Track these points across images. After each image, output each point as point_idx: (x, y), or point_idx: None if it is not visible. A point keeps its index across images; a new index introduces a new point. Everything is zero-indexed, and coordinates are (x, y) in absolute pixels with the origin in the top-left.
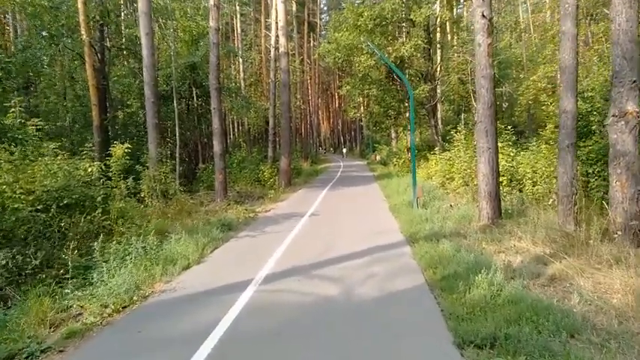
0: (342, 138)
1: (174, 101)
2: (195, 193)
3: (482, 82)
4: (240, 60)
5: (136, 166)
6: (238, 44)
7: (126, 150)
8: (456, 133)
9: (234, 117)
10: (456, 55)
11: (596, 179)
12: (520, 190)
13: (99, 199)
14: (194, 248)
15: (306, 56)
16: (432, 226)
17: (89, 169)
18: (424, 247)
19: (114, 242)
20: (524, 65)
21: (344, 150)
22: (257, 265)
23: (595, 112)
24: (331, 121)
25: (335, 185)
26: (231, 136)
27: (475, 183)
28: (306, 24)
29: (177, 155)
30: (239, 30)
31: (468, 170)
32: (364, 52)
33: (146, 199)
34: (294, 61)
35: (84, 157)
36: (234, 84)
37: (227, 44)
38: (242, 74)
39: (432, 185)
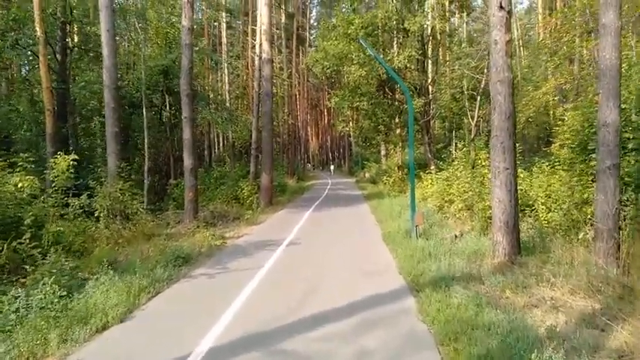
0: (330, 154)
1: (144, 109)
2: (164, 212)
3: (499, 88)
4: (226, 71)
5: (88, 182)
6: (224, 56)
7: (71, 162)
8: (455, 149)
9: (219, 131)
10: (448, 70)
11: (633, 207)
12: (530, 217)
13: (28, 221)
14: (124, 296)
15: (295, 70)
16: (439, 265)
17: (19, 185)
18: (433, 299)
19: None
20: (518, 83)
21: (332, 167)
22: (201, 329)
23: (630, 127)
24: (320, 137)
25: (321, 205)
26: (216, 150)
27: (480, 207)
28: (294, 37)
29: (145, 169)
30: (225, 40)
31: (470, 192)
32: (354, 62)
33: (101, 220)
34: (282, 74)
35: (18, 169)
36: (219, 96)
37: (212, 55)
38: (227, 86)
39: (429, 209)
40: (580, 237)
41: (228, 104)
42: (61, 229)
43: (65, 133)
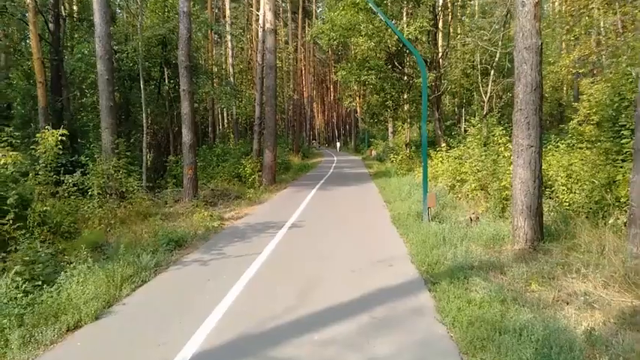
0: (336, 132)
1: (141, 82)
2: (163, 190)
3: (526, 56)
4: (229, 45)
5: (80, 158)
6: (227, 28)
7: (59, 137)
8: (468, 126)
9: (223, 107)
10: (459, 44)
11: None
12: (550, 198)
13: (11, 200)
14: (103, 287)
15: (301, 44)
16: (454, 253)
17: (1, 161)
18: (451, 294)
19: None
20: None
21: (338, 144)
22: (186, 330)
23: None
24: (326, 114)
25: (326, 184)
26: (220, 127)
27: (496, 187)
28: (301, 10)
29: (144, 145)
30: (229, 13)
31: (484, 171)
32: (362, 33)
33: (94, 198)
34: (287, 48)
35: (1, 145)
36: (223, 70)
37: (213, 25)
38: (231, 60)
39: (439, 188)
40: (610, 222)
41: (231, 79)
42: (48, 208)
43: (59, 107)
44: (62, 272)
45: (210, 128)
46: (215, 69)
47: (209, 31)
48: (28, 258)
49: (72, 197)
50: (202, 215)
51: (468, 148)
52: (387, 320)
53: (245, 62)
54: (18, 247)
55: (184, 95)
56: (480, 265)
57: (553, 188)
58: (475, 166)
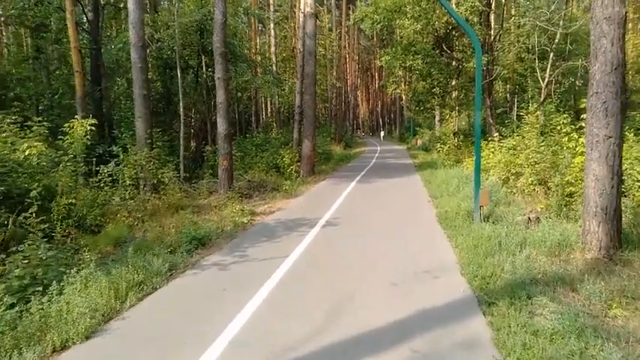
0: (380, 120)
1: (178, 70)
2: (200, 180)
3: (605, 28)
4: (272, 33)
5: (111, 149)
6: (271, 15)
7: (89, 127)
8: (524, 113)
9: (266, 96)
10: (514, 26)
11: None
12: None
13: (34, 192)
14: (105, 298)
15: (345, 32)
16: (513, 262)
17: (27, 152)
18: (513, 321)
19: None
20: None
21: (382, 133)
22: (189, 354)
23: None
24: (370, 102)
25: (367, 175)
26: (263, 117)
27: (557, 182)
28: None
29: (181, 135)
30: (272, 1)
31: (543, 164)
32: (408, 15)
33: (124, 190)
34: (331, 35)
35: (30, 134)
36: (266, 59)
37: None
38: (273, 49)
39: (491, 182)
40: None
41: (274, 67)
42: (74, 201)
43: (98, 97)
44: (65, 277)
45: (253, 117)
46: (258, 58)
47: (252, 20)
48: (27, 261)
49: (107, 188)
50: (233, 209)
51: (524, 137)
52: (431, 356)
53: (288, 50)
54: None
55: (219, 83)
56: (545, 278)
57: (626, 184)
58: (532, 157)
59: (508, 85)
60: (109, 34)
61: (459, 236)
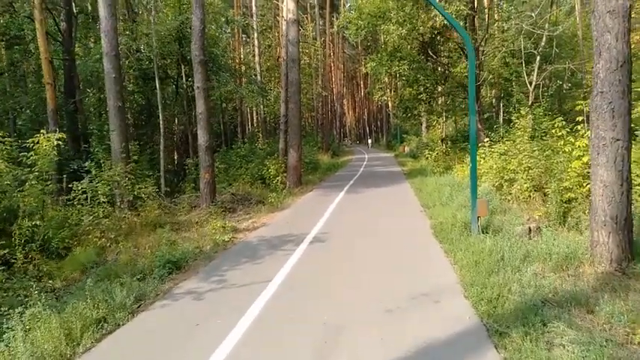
0: (367, 128)
1: (157, 80)
2: (181, 195)
3: (609, 23)
4: (256, 42)
5: (82, 165)
6: (254, 25)
7: (57, 141)
8: (517, 117)
9: (251, 106)
10: (498, 31)
11: None
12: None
13: None
14: (52, 343)
15: (330, 40)
16: (519, 279)
17: None
18: (532, 358)
19: None
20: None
21: (369, 141)
22: None
23: None
24: (357, 111)
25: (356, 185)
26: (249, 127)
27: (554, 188)
28: (328, 4)
29: (161, 147)
30: (255, 10)
31: (537, 169)
32: (393, 20)
33: (101, 208)
34: (315, 44)
35: None
36: (250, 69)
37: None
38: (257, 58)
39: (484, 189)
40: None
41: (258, 77)
42: (38, 222)
43: (72, 109)
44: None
45: (239, 128)
46: (243, 68)
47: (236, 29)
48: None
49: (79, 206)
50: (215, 226)
51: (515, 142)
52: None
53: (273, 59)
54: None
55: (199, 93)
56: (557, 298)
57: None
58: (526, 162)
59: (494, 91)
60: (85, 44)
61: (457, 251)
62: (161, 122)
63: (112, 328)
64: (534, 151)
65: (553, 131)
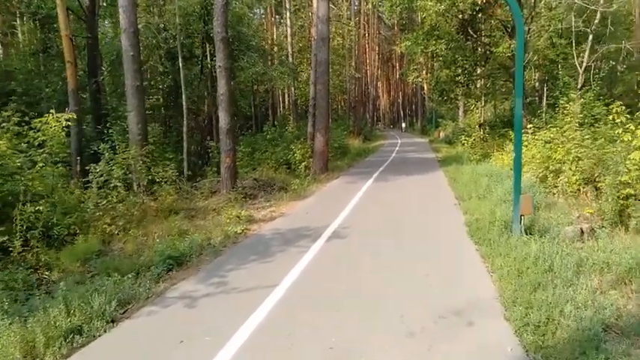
0: (402, 112)
1: (180, 59)
2: (203, 179)
3: None
4: (288, 22)
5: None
6: (288, 5)
7: (66, 122)
8: (566, 101)
9: (282, 88)
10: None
11: None
12: None
13: None
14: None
15: (364, 20)
16: (574, 298)
17: None
18: None
19: None
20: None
21: (403, 125)
22: None
23: None
24: (391, 94)
25: (385, 172)
26: (280, 110)
27: (610, 182)
28: None
29: (184, 129)
30: None
31: (587, 160)
32: None
33: (116, 192)
34: (349, 23)
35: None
36: (281, 50)
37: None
38: (290, 39)
39: (526, 180)
40: None
41: (290, 58)
42: (41, 208)
43: (94, 89)
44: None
45: (270, 111)
46: (275, 49)
47: (269, 10)
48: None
49: (94, 190)
50: (229, 215)
51: (561, 129)
52: None
53: (306, 40)
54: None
55: (221, 72)
56: (622, 322)
57: None
58: (575, 152)
59: (538, 73)
60: (112, 22)
61: (496, 256)
62: (184, 103)
63: (85, 341)
64: (585, 139)
65: (610, 117)
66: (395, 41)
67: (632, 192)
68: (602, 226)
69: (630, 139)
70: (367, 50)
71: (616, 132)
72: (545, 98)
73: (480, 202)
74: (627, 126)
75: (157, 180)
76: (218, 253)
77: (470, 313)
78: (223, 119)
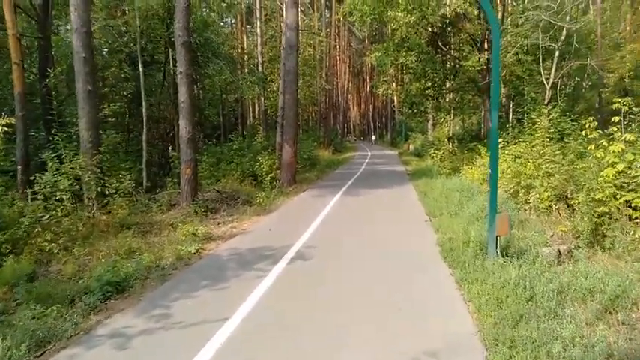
0: (372, 124)
1: (140, 64)
2: (163, 191)
3: None
4: (258, 31)
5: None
6: (257, 14)
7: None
8: (537, 115)
9: (252, 97)
10: (511, 25)
11: None
12: None
13: None
14: None
15: (335, 31)
16: (560, 335)
17: None
18: None
19: None
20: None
21: (373, 137)
22: None
23: None
24: (362, 106)
25: (355, 185)
26: (250, 119)
27: (583, 199)
28: None
29: (143, 138)
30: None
31: (558, 176)
32: (401, 7)
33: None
34: (320, 34)
35: None
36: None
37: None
38: (259, 48)
39: (498, 196)
40: None
41: (260, 67)
42: None
43: (44, 93)
44: None
45: (240, 120)
46: (245, 58)
47: (238, 18)
48: None
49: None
50: (185, 231)
51: (531, 144)
52: None
53: (276, 50)
54: None
55: (182, 79)
56: None
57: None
58: (546, 167)
59: (505, 89)
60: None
61: (472, 282)
62: (144, 110)
63: None
64: (555, 154)
65: (583, 133)
66: (366, 53)
67: (607, 210)
68: (579, 246)
69: (602, 155)
70: (338, 62)
71: (588, 148)
72: (511, 113)
73: (452, 220)
74: (600, 142)
75: (110, 192)
76: (166, 277)
77: (447, 354)
78: (184, 128)
